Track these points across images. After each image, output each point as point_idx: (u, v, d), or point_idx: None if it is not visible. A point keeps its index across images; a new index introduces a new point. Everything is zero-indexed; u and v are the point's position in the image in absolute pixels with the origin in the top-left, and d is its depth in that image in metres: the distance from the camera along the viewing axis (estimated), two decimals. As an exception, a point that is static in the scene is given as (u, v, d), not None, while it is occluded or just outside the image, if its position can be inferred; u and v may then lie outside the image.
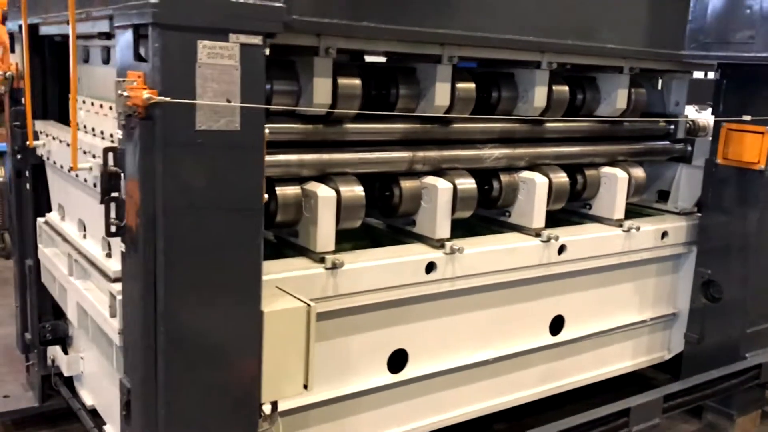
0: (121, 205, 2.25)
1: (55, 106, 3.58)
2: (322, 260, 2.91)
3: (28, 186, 3.61)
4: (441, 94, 3.23)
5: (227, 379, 2.32)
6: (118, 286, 2.52)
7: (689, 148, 4.41)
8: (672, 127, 4.38)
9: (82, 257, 2.96)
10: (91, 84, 3.12)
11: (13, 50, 3.63)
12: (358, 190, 3.06)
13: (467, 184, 3.41)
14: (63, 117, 3.54)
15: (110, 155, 2.27)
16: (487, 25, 3.02)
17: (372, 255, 3.12)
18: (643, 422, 3.51)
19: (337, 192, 2.98)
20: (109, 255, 2.73)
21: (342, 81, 2.95)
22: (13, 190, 3.76)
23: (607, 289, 4.07)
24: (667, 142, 4.39)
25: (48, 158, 3.29)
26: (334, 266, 2.90)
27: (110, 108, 2.75)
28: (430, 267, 3.21)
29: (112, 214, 2.30)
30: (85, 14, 2.52)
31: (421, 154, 3.32)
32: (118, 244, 2.43)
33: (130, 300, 2.33)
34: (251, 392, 2.36)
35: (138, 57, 2.12)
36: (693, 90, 4.48)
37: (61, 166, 3.10)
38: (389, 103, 3.28)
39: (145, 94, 1.93)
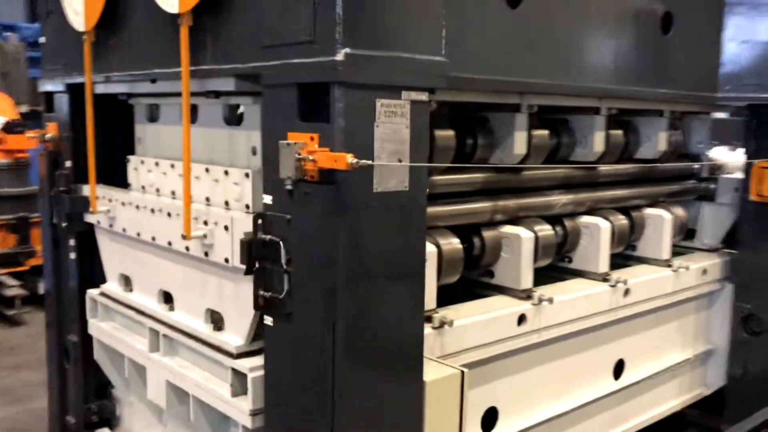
0: (276, 275, 2.07)
1: (103, 168, 3.34)
2: (429, 319, 2.79)
3: (71, 255, 3.33)
4: (519, 143, 3.19)
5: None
6: (246, 362, 2.32)
7: (713, 186, 4.53)
8: (696, 166, 4.50)
9: (172, 331, 2.72)
10: (162, 144, 2.93)
11: (50, 110, 3.37)
12: (456, 244, 2.97)
13: (546, 231, 3.37)
14: (107, 180, 3.31)
15: (260, 222, 2.10)
16: (562, 73, 3.02)
17: (469, 310, 3.01)
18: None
19: (438, 247, 2.88)
20: (218, 328, 2.52)
21: (439, 133, 2.87)
22: (50, 262, 3.46)
23: (658, 329, 4.09)
24: (695, 182, 4.50)
25: (111, 225, 3.05)
26: (442, 325, 2.77)
27: (206, 170, 2.58)
28: (521, 319, 3.13)
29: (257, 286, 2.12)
30: (197, 72, 2.35)
31: (501, 203, 3.27)
32: (239, 317, 2.25)
33: (282, 377, 2.14)
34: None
35: (303, 117, 1.98)
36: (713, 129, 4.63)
37: (138, 234, 2.86)
38: (465, 153, 3.21)
39: (350, 158, 1.78)
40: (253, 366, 2.32)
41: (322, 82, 1.89)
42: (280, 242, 2.04)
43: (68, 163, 3.26)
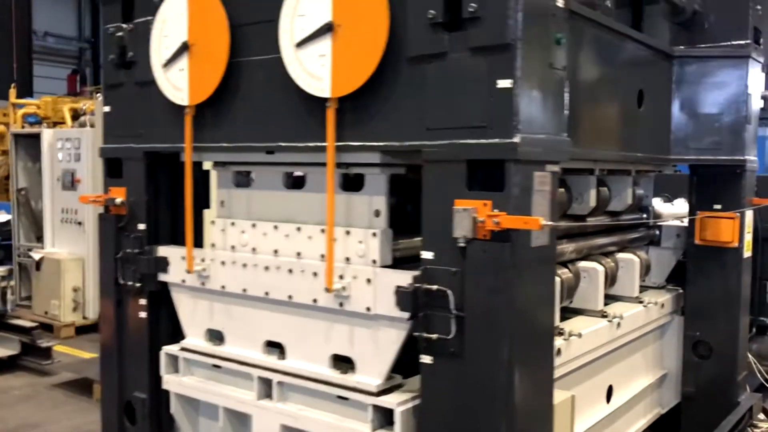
0: (442, 319, 2.45)
1: (167, 229, 3.54)
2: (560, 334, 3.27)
3: (141, 314, 3.47)
4: (593, 197, 3.86)
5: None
6: (391, 399, 2.66)
7: (657, 232, 5.31)
8: (644, 216, 5.27)
9: (287, 377, 2.98)
10: (253, 207, 3.22)
11: (118, 175, 3.53)
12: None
13: (567, 274, 3.94)
14: (174, 240, 3.52)
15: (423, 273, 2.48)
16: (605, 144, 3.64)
17: (581, 324, 3.70)
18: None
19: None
20: (343, 372, 2.83)
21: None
22: (113, 322, 3.57)
23: (632, 357, 4.74)
24: (645, 229, 5.26)
25: (202, 283, 3.25)
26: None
27: (321, 231, 2.92)
28: (558, 352, 3.64)
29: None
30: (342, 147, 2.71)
31: (581, 244, 3.92)
32: (376, 360, 2.62)
33: (441, 409, 2.49)
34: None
35: (471, 186, 2.40)
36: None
37: (244, 290, 3.11)
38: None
39: (542, 221, 2.22)
40: (399, 401, 2.66)
41: (496, 159, 2.34)
42: (448, 291, 2.43)
43: (141, 226, 3.43)
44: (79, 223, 8.64)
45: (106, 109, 3.58)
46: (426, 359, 2.53)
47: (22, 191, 9.59)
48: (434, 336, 2.47)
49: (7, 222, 9.59)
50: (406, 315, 2.60)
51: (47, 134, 9.02)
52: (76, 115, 12.01)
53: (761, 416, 5.43)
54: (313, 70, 2.69)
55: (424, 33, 2.45)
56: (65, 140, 8.78)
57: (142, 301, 3.47)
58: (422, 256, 2.53)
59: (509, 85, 2.30)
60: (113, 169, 3.57)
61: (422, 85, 2.50)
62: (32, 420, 5.72)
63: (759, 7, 4.86)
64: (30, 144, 9.64)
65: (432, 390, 2.55)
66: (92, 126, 9.09)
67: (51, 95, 19.25)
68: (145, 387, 3.49)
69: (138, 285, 3.44)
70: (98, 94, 13.50)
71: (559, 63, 2.54)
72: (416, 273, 2.58)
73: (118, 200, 3.46)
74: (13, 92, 13.26)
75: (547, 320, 2.64)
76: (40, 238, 9.42)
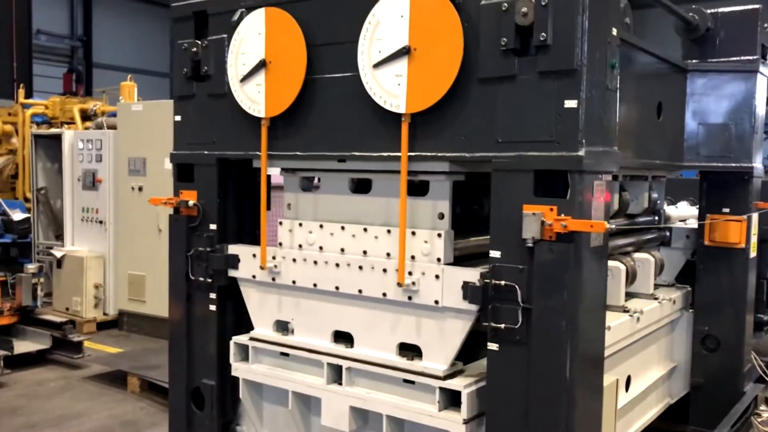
0: (509, 311, 2.77)
1: (234, 229, 3.85)
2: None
3: (211, 307, 3.77)
4: (616, 201, 4.31)
5: None
6: (458, 382, 2.99)
7: (668, 234, 5.68)
8: (656, 218, 5.64)
9: (356, 364, 3.30)
10: (320, 210, 3.53)
11: (190, 179, 3.83)
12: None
13: (629, 264, 4.33)
14: (240, 239, 3.83)
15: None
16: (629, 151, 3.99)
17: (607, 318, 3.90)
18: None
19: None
20: (417, 357, 3.15)
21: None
22: (183, 316, 3.87)
23: (647, 350, 5.09)
24: (657, 231, 5.62)
25: (273, 278, 3.56)
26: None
27: (387, 231, 3.24)
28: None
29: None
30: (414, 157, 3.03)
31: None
32: (442, 348, 2.95)
33: (510, 387, 2.82)
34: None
35: (536, 193, 2.73)
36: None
37: (314, 285, 3.42)
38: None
39: (607, 225, 2.56)
40: (465, 384, 2.99)
41: (562, 170, 2.67)
42: (516, 286, 2.76)
43: (212, 226, 3.73)
44: (101, 222, 8.89)
45: (177, 118, 3.87)
46: (493, 346, 2.86)
47: (42, 191, 9.81)
48: (502, 325, 2.80)
49: (23, 221, 9.79)
50: (472, 307, 2.93)
51: (68, 135, 9.25)
52: (85, 115, 12.25)
53: (762, 407, 5.81)
54: (390, 89, 3.01)
55: (496, 58, 2.78)
56: (86, 141, 9.03)
57: (212, 295, 3.76)
58: (491, 255, 2.85)
59: (575, 105, 2.63)
60: (184, 173, 3.85)
61: (492, 103, 2.83)
62: (72, 411, 5.99)
63: (767, 25, 5.23)
64: (48, 145, 9.86)
65: (497, 373, 2.88)
66: (112, 128, 9.34)
67: (47, 94, 19.41)
68: (213, 374, 3.79)
69: (209, 280, 3.74)
70: (104, 94, 13.74)
71: (613, 85, 2.88)
72: (483, 270, 2.90)
73: (191, 202, 3.75)
74: (21, 92, 13.47)
75: (600, 311, 2.99)
76: (59, 237, 9.66)
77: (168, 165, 8.08)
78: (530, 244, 2.72)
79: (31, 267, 7.56)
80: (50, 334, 7.28)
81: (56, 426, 5.64)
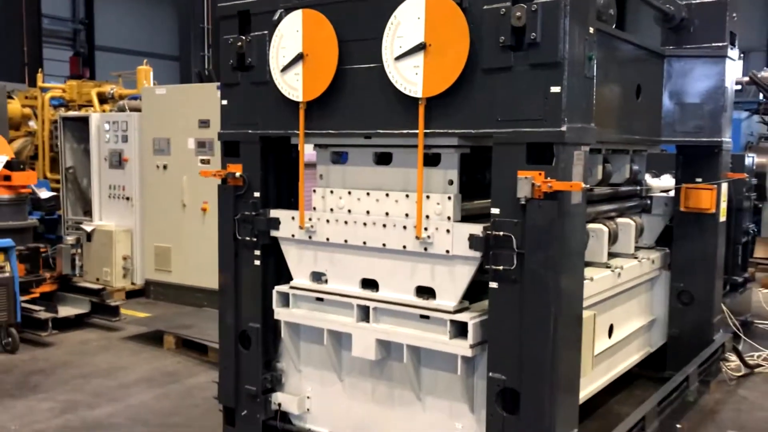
0: (506, 256, 3.47)
1: (274, 196, 4.53)
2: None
3: (256, 262, 4.46)
4: (600, 172, 5.02)
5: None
6: (465, 316, 3.69)
7: (649, 202, 6.37)
8: (639, 188, 6.32)
9: (381, 304, 4.00)
10: (348, 179, 4.22)
11: (236, 154, 4.50)
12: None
13: (611, 227, 5.04)
14: (279, 204, 4.51)
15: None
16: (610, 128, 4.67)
17: (591, 272, 4.74)
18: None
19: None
20: (431, 298, 3.85)
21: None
22: (231, 269, 4.56)
23: (629, 303, 5.81)
24: (639, 199, 6.31)
25: (309, 237, 4.25)
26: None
27: (406, 196, 3.92)
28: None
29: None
30: (429, 133, 3.71)
31: (590, 209, 4.91)
32: (452, 289, 3.65)
33: (507, 318, 3.53)
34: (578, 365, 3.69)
35: (528, 161, 3.42)
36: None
37: (345, 241, 4.12)
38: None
39: (583, 185, 3.26)
40: (471, 317, 3.69)
41: (548, 143, 3.35)
42: (512, 236, 3.45)
43: (256, 194, 4.42)
44: (127, 199, 9.57)
45: (224, 102, 4.53)
46: (494, 285, 3.55)
47: (70, 169, 10.48)
48: (501, 267, 3.49)
49: (49, 198, 10.44)
50: (477, 254, 3.63)
51: (95, 118, 9.90)
52: (102, 98, 12.87)
53: (733, 356, 6.55)
54: (409, 77, 3.68)
55: (496, 52, 3.45)
56: (112, 123, 9.68)
57: (257, 252, 4.45)
58: (491, 211, 3.54)
59: (559, 90, 3.31)
60: (230, 149, 4.52)
61: (493, 89, 3.50)
62: (117, 364, 6.70)
63: (735, 15, 5.90)
64: (75, 127, 10.51)
65: (498, 307, 3.58)
66: (134, 110, 9.99)
67: (52, 77, 19.91)
68: (258, 319, 4.48)
69: (254, 240, 4.43)
70: (120, 78, 14.33)
71: (591, 73, 3.55)
72: (485, 224, 3.59)
73: (238, 174, 4.43)
74: (40, 77, 14.06)
75: (580, 257, 3.69)
76: (86, 213, 10.34)
77: (191, 145, 8.78)
78: (523, 202, 3.41)
79: (70, 239, 8.25)
80: (89, 299, 7.98)
81: (106, 376, 6.36)
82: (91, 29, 29.25)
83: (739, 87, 9.55)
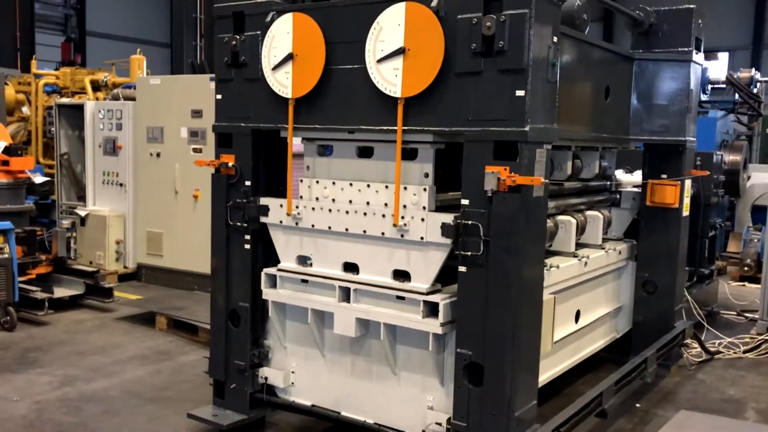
0: (474, 243, 3.82)
1: (264, 185, 4.87)
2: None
3: (246, 246, 4.81)
4: (569, 167, 5.35)
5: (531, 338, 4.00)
6: (436, 297, 4.06)
7: (618, 196, 6.75)
8: (608, 183, 6.70)
9: (361, 286, 4.35)
10: (333, 170, 4.56)
11: (229, 146, 4.83)
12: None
13: (579, 219, 5.44)
14: (268, 193, 4.85)
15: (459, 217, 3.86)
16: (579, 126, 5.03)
17: (558, 261, 5.13)
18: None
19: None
20: (406, 280, 4.21)
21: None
22: (223, 253, 4.90)
23: (595, 291, 6.19)
24: (608, 194, 6.69)
25: (296, 223, 4.60)
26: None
27: (386, 187, 4.28)
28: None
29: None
30: (407, 131, 4.05)
31: (559, 202, 5.42)
32: (425, 272, 4.02)
33: (472, 302, 3.89)
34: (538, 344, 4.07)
35: (495, 157, 3.77)
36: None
37: (329, 227, 4.47)
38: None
39: (543, 180, 3.62)
40: (442, 298, 4.06)
41: (513, 141, 3.71)
42: (480, 225, 3.81)
43: (247, 183, 4.75)
44: (121, 185, 9.87)
45: (218, 97, 4.86)
46: (462, 269, 3.92)
47: (65, 155, 10.76)
48: (469, 253, 3.86)
49: (44, 183, 10.70)
50: (447, 241, 3.98)
51: (90, 106, 10.18)
52: (95, 86, 13.11)
53: (694, 343, 6.95)
54: (389, 78, 4.03)
55: (468, 58, 3.80)
56: (107, 111, 9.96)
57: (247, 237, 4.80)
58: (462, 202, 3.90)
59: (523, 94, 3.67)
60: (224, 140, 4.85)
61: (465, 91, 3.85)
62: (111, 342, 7.03)
63: (700, 21, 6.27)
64: (70, 114, 10.78)
65: (465, 289, 3.94)
66: (128, 99, 10.28)
67: (44, 63, 20.05)
68: (247, 299, 4.83)
69: (245, 225, 4.77)
70: (113, 66, 14.56)
71: (553, 78, 3.91)
72: (456, 214, 3.95)
73: (230, 164, 4.76)
74: (34, 63, 14.27)
75: (541, 245, 4.06)
76: (80, 198, 10.63)
77: (184, 134, 9.09)
78: (490, 195, 3.77)
79: (65, 222, 8.55)
80: (83, 281, 8.30)
81: (100, 353, 6.69)
82: (83, 14, 29.24)
83: (722, 86, 9.97)
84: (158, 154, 9.43)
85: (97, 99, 11.58)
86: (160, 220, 9.48)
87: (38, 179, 10.63)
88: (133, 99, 10.00)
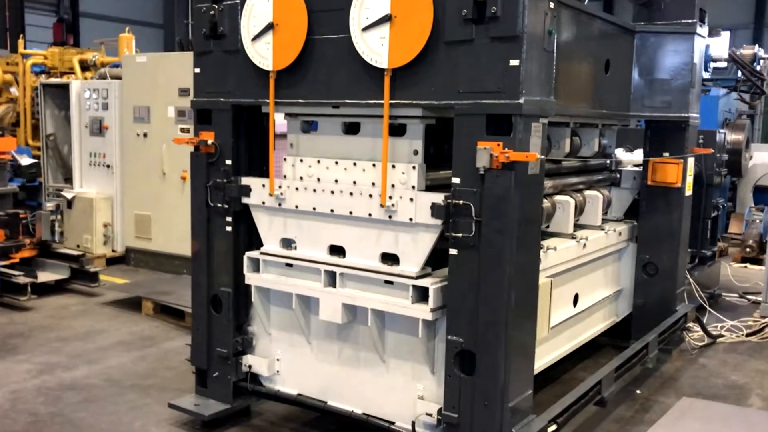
0: (465, 224, 3.59)
1: (246, 164, 4.62)
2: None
3: (228, 228, 4.57)
4: (567, 145, 5.13)
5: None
6: (426, 281, 3.83)
7: (618, 176, 6.51)
8: (608, 162, 6.46)
9: (348, 270, 4.12)
10: (318, 148, 4.32)
11: (208, 122, 4.58)
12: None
13: (578, 199, 5.20)
14: (251, 172, 4.60)
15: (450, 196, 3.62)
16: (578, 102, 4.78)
17: (556, 242, 4.94)
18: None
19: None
20: (395, 264, 3.98)
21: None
22: (204, 235, 4.66)
23: (595, 273, 5.96)
24: (608, 173, 6.45)
25: (279, 204, 4.36)
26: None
27: (373, 165, 4.03)
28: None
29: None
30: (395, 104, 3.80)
31: (557, 182, 5.16)
32: (414, 255, 3.80)
33: (463, 286, 3.66)
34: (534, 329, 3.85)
35: (488, 132, 3.52)
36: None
37: (314, 208, 4.23)
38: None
39: (538, 155, 3.38)
40: (432, 282, 3.83)
41: (506, 114, 3.46)
42: (471, 204, 3.57)
43: (228, 161, 4.51)
44: (108, 166, 9.61)
45: (197, 70, 4.61)
46: (453, 251, 3.68)
47: (50, 137, 10.49)
48: (460, 235, 3.62)
49: (31, 165, 10.45)
50: (438, 222, 3.75)
51: (75, 85, 9.89)
52: (84, 66, 12.81)
53: (696, 327, 6.75)
54: (375, 48, 3.77)
55: (458, 25, 3.54)
56: (93, 90, 9.69)
57: (228, 219, 4.56)
58: (452, 181, 3.66)
59: (517, 64, 3.41)
60: (203, 117, 4.60)
61: (455, 61, 3.60)
62: (96, 328, 6.82)
63: (705, -8, 5.99)
64: (56, 94, 10.49)
65: (457, 272, 3.71)
66: (114, 78, 10.00)
67: (36, 44, 19.70)
68: (230, 284, 4.60)
69: (226, 206, 4.53)
70: (102, 45, 14.25)
71: (550, 47, 3.66)
72: (447, 194, 3.71)
73: (210, 141, 4.52)
74: (21, 43, 13.95)
75: (536, 226, 3.82)
76: (67, 180, 10.37)
77: (171, 113, 8.83)
78: (482, 172, 3.53)
79: (49, 205, 8.31)
80: (68, 265, 8.07)
81: (84, 339, 6.47)
82: (77, -5, 28.82)
83: (723, 65, 9.69)
84: (145, 135, 9.16)
85: (85, 79, 11.28)
86: (148, 202, 9.23)
87: (25, 161, 10.39)
88: (120, 78, 9.71)
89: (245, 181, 4.51)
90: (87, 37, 23.94)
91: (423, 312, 3.85)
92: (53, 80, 11.13)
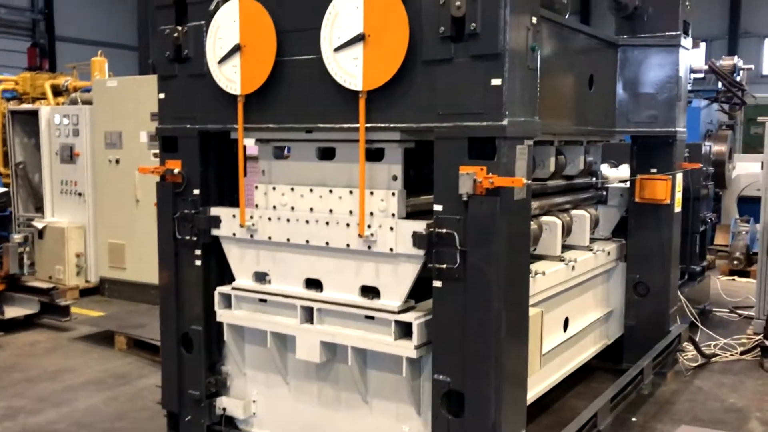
0: (449, 254, 3.35)
1: (215, 193, 4.37)
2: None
3: (197, 262, 4.31)
4: (552, 164, 4.96)
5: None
6: (410, 315, 3.58)
7: (604, 193, 6.32)
8: (594, 179, 6.26)
9: (325, 305, 3.87)
10: (291, 175, 4.07)
11: (174, 150, 4.33)
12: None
13: (565, 219, 4.97)
14: (220, 202, 4.35)
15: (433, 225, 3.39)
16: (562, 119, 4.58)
17: (544, 266, 4.72)
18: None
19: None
20: (376, 297, 3.73)
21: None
22: (172, 269, 4.39)
23: (585, 295, 5.75)
24: (594, 190, 6.25)
25: (251, 235, 4.10)
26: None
27: (350, 192, 3.79)
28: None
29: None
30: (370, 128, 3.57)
31: (543, 202, 4.98)
32: (396, 288, 3.56)
33: (449, 320, 3.42)
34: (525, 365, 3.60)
35: (472, 156, 3.30)
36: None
37: (288, 239, 3.97)
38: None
39: (525, 180, 3.15)
40: (416, 317, 3.58)
41: (490, 137, 3.24)
42: (455, 233, 3.34)
43: (195, 191, 4.25)
44: (80, 194, 9.30)
45: (161, 96, 4.36)
46: (437, 283, 3.44)
47: (20, 165, 10.17)
48: (444, 266, 3.38)
49: (1, 194, 10.12)
50: (420, 252, 3.51)
51: (45, 111, 9.60)
52: (57, 91, 12.50)
53: (686, 344, 6.53)
54: (348, 69, 3.54)
55: (436, 43, 3.33)
56: (63, 116, 9.39)
57: (197, 252, 4.29)
58: (434, 208, 3.42)
59: (500, 83, 3.20)
60: (168, 144, 4.35)
61: (433, 82, 3.38)
62: (65, 366, 6.49)
63: (687, 3, 5.85)
64: (25, 120, 10.18)
65: (441, 306, 3.47)
66: (86, 103, 9.71)
67: (9, 69, 19.33)
68: (200, 321, 4.33)
69: (194, 239, 4.27)
70: (74, 70, 13.95)
71: (533, 64, 3.45)
72: (429, 222, 3.48)
73: (176, 170, 4.26)
74: (-9, 69, 13.60)
75: (525, 253, 3.59)
76: (38, 209, 10.04)
77: (143, 138, 8.55)
78: (465, 199, 3.30)
79: (17, 237, 7.98)
80: (38, 299, 7.74)
81: (52, 379, 6.15)
82: (51, 19, 28.49)
83: (701, 75, 9.59)
84: (117, 161, 8.87)
85: (57, 104, 10.98)
86: (121, 230, 8.92)
87: (-2, 190, 10.04)
88: (91, 103, 9.43)
89: (214, 211, 4.25)
90: (63, 62, 23.58)
91: (407, 349, 3.60)
92: (22, 107, 10.81)
